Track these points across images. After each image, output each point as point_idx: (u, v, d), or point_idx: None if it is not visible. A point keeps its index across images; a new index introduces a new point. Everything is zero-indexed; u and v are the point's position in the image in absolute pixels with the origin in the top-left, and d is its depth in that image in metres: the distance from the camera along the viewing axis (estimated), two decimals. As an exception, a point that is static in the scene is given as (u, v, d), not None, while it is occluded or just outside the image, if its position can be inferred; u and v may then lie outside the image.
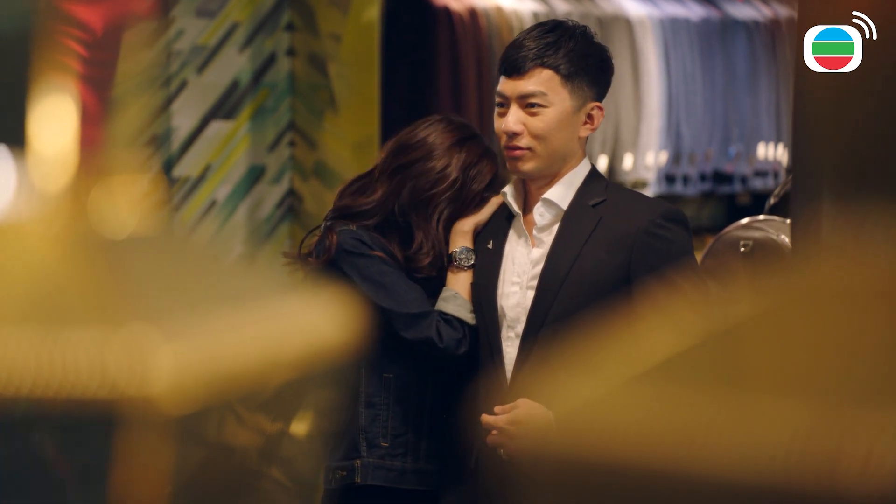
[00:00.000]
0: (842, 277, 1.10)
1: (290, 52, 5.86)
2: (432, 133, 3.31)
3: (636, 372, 1.10)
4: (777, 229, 4.16)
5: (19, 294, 1.18)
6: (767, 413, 1.00)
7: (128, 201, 1.30)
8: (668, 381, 1.07)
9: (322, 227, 3.34)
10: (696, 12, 6.58)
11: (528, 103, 3.13)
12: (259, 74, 5.81)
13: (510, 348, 3.19)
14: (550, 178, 3.18)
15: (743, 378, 1.06)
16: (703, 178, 6.61)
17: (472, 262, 3.25)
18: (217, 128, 5.72)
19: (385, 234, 3.29)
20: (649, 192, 6.30)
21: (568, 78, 3.13)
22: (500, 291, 3.22)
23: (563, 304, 3.11)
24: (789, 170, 6.61)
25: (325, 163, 5.79)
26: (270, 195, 5.87)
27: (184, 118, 5.63)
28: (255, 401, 1.25)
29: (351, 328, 1.33)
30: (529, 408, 3.10)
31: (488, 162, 3.32)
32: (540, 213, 3.17)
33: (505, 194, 3.24)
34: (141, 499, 1.12)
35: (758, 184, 6.85)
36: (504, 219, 3.28)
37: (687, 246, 3.15)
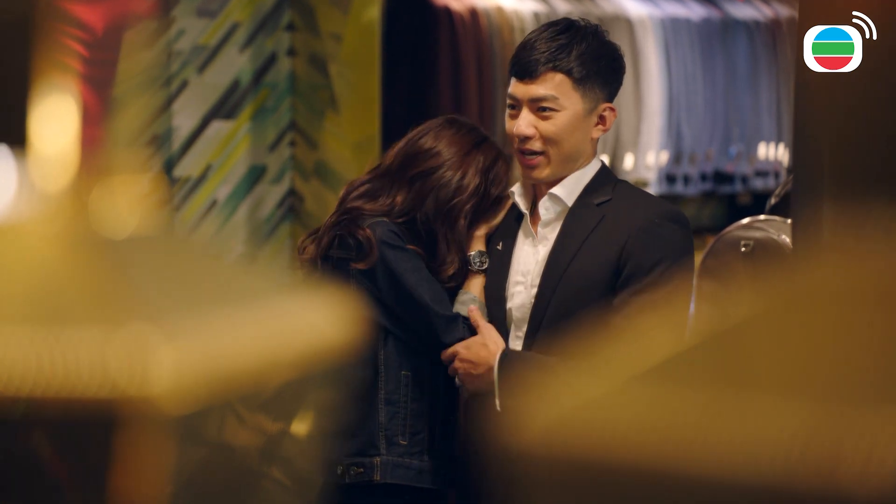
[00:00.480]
0: (842, 277, 1.10)
1: (291, 52, 5.86)
2: (444, 140, 3.30)
3: (636, 372, 1.10)
4: (778, 229, 4.16)
5: (19, 293, 1.18)
6: (768, 413, 1.00)
7: (128, 201, 1.30)
8: (669, 381, 1.07)
9: (330, 228, 3.32)
10: (696, 12, 6.58)
11: (539, 107, 3.12)
12: (260, 74, 5.81)
13: (517, 348, 3.20)
14: (562, 178, 3.17)
15: (743, 378, 1.06)
16: (703, 177, 6.61)
17: (486, 265, 3.27)
18: (218, 128, 5.72)
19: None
20: (650, 191, 6.30)
21: (580, 81, 3.12)
22: (507, 293, 3.22)
23: (561, 302, 3.11)
24: (790, 170, 6.60)
25: (326, 163, 5.79)
26: (271, 195, 5.87)
27: (184, 118, 5.63)
28: (255, 400, 1.25)
29: (351, 328, 1.33)
30: (485, 336, 3.16)
31: (503, 164, 3.33)
32: (545, 208, 3.17)
33: (513, 193, 3.24)
34: (141, 499, 1.12)
35: (758, 184, 6.84)
36: (513, 220, 3.28)
37: (681, 246, 3.12)
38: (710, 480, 1.01)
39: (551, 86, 3.11)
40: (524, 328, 3.18)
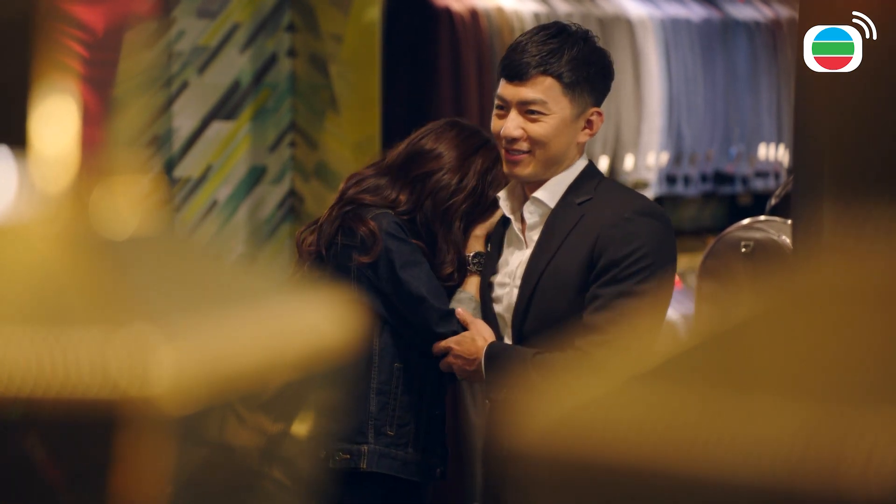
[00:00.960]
0: (843, 278, 1.10)
1: (291, 53, 5.86)
2: (445, 142, 3.36)
3: (637, 372, 1.10)
4: (778, 230, 4.16)
5: (20, 294, 1.18)
6: (768, 413, 1.00)
7: (129, 202, 1.30)
8: (669, 381, 1.07)
9: (336, 217, 3.36)
10: (696, 13, 6.58)
11: (528, 109, 3.13)
12: (260, 75, 5.81)
13: None
14: (545, 180, 3.19)
15: (744, 378, 1.06)
16: (704, 178, 6.61)
17: (483, 266, 3.31)
18: (218, 128, 5.72)
19: None
20: (650, 192, 6.30)
21: (570, 86, 3.13)
22: (495, 294, 3.25)
23: (542, 301, 3.13)
24: (790, 170, 6.60)
25: (327, 163, 5.80)
26: (271, 196, 5.87)
27: (185, 119, 5.63)
28: (256, 401, 1.25)
29: (352, 328, 1.33)
30: (475, 331, 3.19)
31: (501, 167, 3.35)
32: (529, 212, 3.20)
33: (499, 198, 3.26)
34: (142, 499, 1.12)
35: (759, 184, 6.84)
36: (502, 224, 3.30)
37: (654, 238, 3.11)
38: (710, 481, 1.01)
39: (541, 89, 3.13)
40: (510, 328, 3.21)
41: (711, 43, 6.57)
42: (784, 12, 6.98)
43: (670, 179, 6.45)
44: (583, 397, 1.10)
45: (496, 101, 3.21)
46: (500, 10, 5.84)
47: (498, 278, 3.27)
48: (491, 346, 3.20)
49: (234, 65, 5.75)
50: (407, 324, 3.32)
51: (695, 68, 6.48)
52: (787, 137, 6.86)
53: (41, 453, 1.14)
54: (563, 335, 3.08)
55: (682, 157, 6.46)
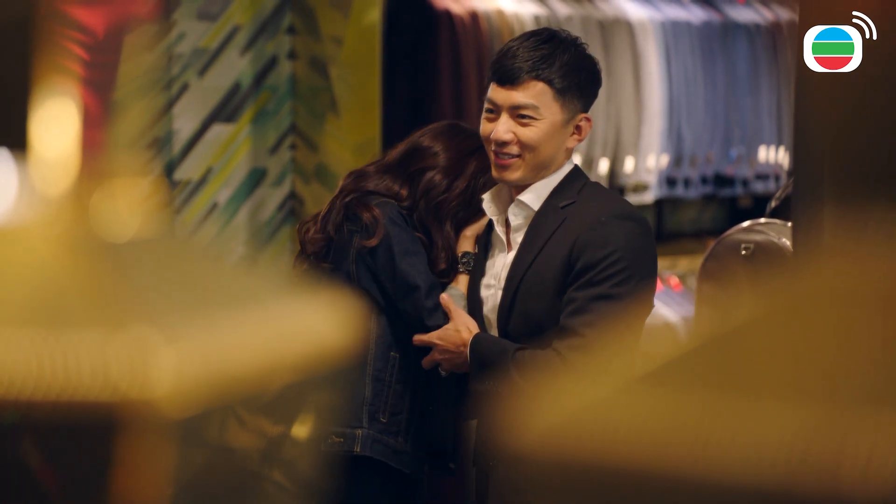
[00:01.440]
0: (843, 280, 1.10)
1: (292, 55, 5.86)
2: (442, 143, 3.43)
3: (637, 374, 1.10)
4: (778, 232, 4.16)
5: (21, 297, 1.18)
6: (769, 416, 1.00)
7: (129, 204, 1.30)
8: (670, 384, 1.07)
9: (341, 205, 3.39)
10: (697, 15, 6.58)
11: (519, 114, 3.15)
12: (260, 77, 5.81)
13: None
14: (532, 183, 3.21)
15: (744, 381, 1.06)
16: (704, 180, 6.61)
17: (471, 266, 3.34)
18: (218, 131, 5.72)
19: None
20: (650, 195, 6.30)
21: (561, 92, 3.16)
22: (482, 296, 3.27)
23: (523, 304, 3.16)
24: (790, 173, 6.60)
25: (327, 166, 5.80)
26: (271, 198, 5.88)
27: (185, 121, 5.63)
28: (256, 403, 1.25)
29: (352, 330, 1.33)
30: (458, 321, 3.23)
31: None
32: (514, 214, 3.23)
33: (482, 200, 3.28)
34: (142, 502, 1.12)
35: (759, 187, 6.85)
36: (489, 226, 3.33)
37: (632, 241, 3.12)
38: (710, 483, 1.00)
39: (532, 94, 3.15)
40: (495, 330, 3.24)
41: (711, 45, 6.57)
42: (784, 14, 6.98)
43: (670, 182, 6.45)
44: (583, 400, 1.10)
45: (486, 105, 3.23)
46: (500, 13, 5.84)
47: (484, 280, 3.29)
48: (476, 338, 3.23)
49: (235, 67, 5.75)
50: (401, 312, 3.35)
51: (695, 71, 6.48)
52: (788, 140, 6.86)
53: (37, 458, 1.14)
54: (544, 336, 3.10)
55: (683, 159, 6.46)
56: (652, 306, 3.21)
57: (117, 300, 1.17)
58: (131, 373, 1.11)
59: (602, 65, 3.32)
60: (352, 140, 5.72)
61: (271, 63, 5.85)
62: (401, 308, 3.34)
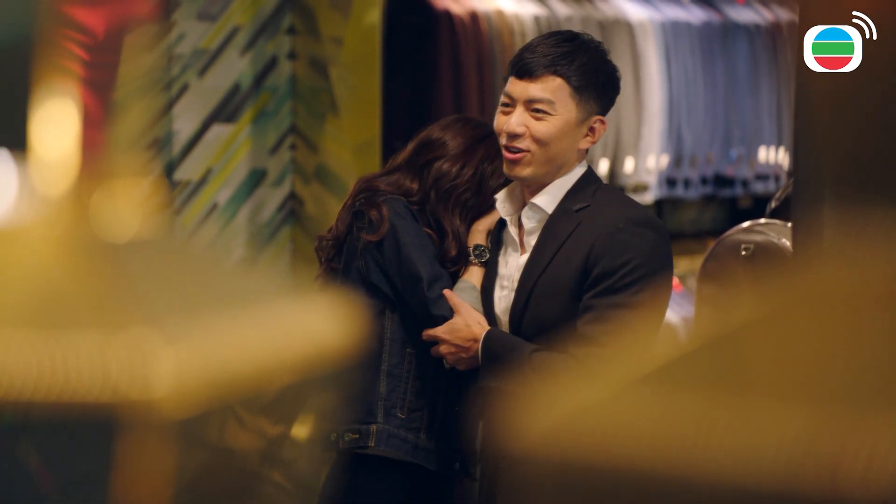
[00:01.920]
0: (843, 281, 1.10)
1: (292, 56, 5.86)
2: (451, 132, 3.45)
3: (637, 375, 1.10)
4: (778, 233, 4.16)
5: (21, 297, 1.18)
6: (769, 417, 1.00)
7: (129, 205, 1.30)
8: (670, 385, 1.07)
9: (350, 206, 3.41)
10: (697, 16, 6.58)
11: (534, 108, 3.16)
12: (260, 78, 5.81)
13: None
14: (544, 184, 3.20)
15: (744, 381, 1.06)
16: (704, 181, 6.61)
17: (485, 258, 3.33)
18: (218, 131, 5.72)
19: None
20: (650, 195, 6.30)
21: (577, 90, 3.16)
22: (495, 297, 3.27)
23: (537, 308, 3.15)
24: (790, 173, 6.60)
25: (327, 166, 5.80)
26: (271, 198, 5.88)
27: (185, 122, 5.63)
28: (256, 404, 1.25)
29: (352, 331, 1.33)
30: (467, 316, 3.23)
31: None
32: (527, 217, 3.22)
33: (496, 200, 3.28)
34: (142, 502, 1.12)
35: (759, 187, 6.85)
36: (503, 225, 3.32)
37: (649, 249, 3.12)
38: (711, 483, 1.00)
39: (549, 89, 3.15)
40: (508, 332, 3.23)
41: (711, 46, 6.57)
42: (784, 15, 6.98)
43: (670, 182, 6.45)
44: (583, 401, 1.10)
45: (502, 98, 3.23)
46: (499, 13, 5.84)
47: (498, 281, 3.29)
48: (489, 334, 3.22)
49: (235, 68, 5.75)
50: (410, 306, 3.36)
51: (695, 71, 6.48)
52: (788, 140, 6.86)
53: (37, 458, 1.14)
54: (558, 340, 3.09)
55: (683, 159, 6.46)
56: (666, 311, 3.21)
57: (117, 301, 1.17)
58: (131, 373, 1.11)
59: (602, 65, 3.32)
60: (352, 140, 5.72)
61: (271, 63, 5.85)
62: (408, 301, 3.34)
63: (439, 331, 3.28)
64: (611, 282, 3.07)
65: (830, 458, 0.96)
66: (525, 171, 3.18)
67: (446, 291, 3.29)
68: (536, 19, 5.90)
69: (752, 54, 6.75)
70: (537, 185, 3.21)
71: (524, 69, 3.18)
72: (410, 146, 3.50)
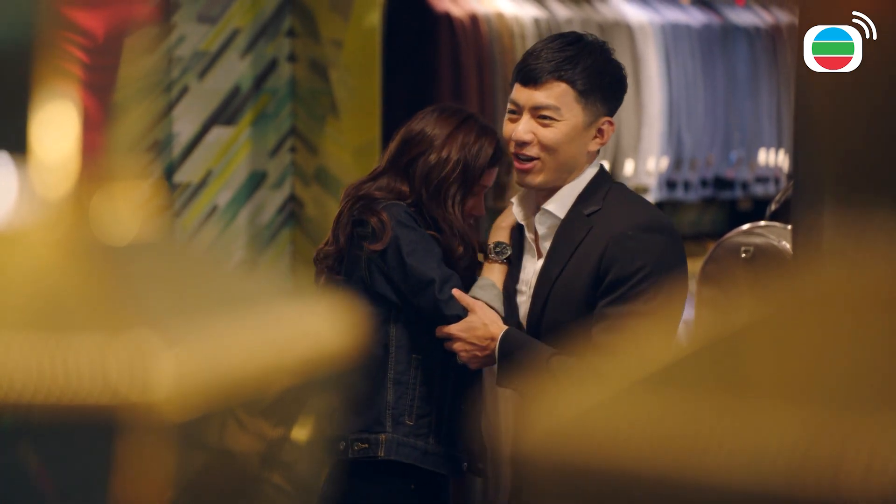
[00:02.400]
0: (843, 283, 1.10)
1: (292, 58, 5.87)
2: (429, 124, 3.41)
3: (638, 378, 1.10)
4: (778, 235, 4.16)
5: (21, 300, 1.18)
6: (770, 418, 1.00)
7: (129, 207, 1.30)
8: (671, 387, 1.07)
9: (347, 214, 3.39)
10: (696, 18, 6.58)
11: (541, 115, 3.15)
12: (260, 80, 5.81)
13: None
14: (556, 188, 3.19)
15: (745, 383, 1.06)
16: (704, 183, 6.61)
17: (506, 255, 3.32)
18: (218, 133, 5.72)
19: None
20: (650, 197, 6.30)
21: (583, 94, 3.14)
22: (517, 301, 3.26)
23: (552, 312, 3.14)
24: (790, 175, 6.60)
25: (327, 168, 5.80)
26: (271, 201, 5.88)
27: (185, 124, 5.63)
28: (256, 406, 1.25)
29: (352, 333, 1.33)
30: (482, 314, 3.22)
31: (486, 137, 3.40)
32: (540, 223, 3.21)
33: (512, 204, 3.28)
34: (142, 504, 1.12)
35: (759, 189, 6.85)
36: (519, 230, 3.32)
37: (661, 254, 3.11)
38: (712, 486, 1.00)
39: (554, 95, 3.14)
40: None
41: (711, 48, 6.57)
42: (784, 17, 6.98)
43: (670, 184, 6.45)
44: (585, 403, 1.10)
45: (509, 106, 3.22)
46: (499, 16, 5.84)
47: (518, 286, 3.29)
48: (507, 335, 3.20)
49: (235, 70, 5.75)
50: (419, 312, 3.34)
51: (695, 73, 6.48)
52: (787, 142, 6.86)
53: (36, 461, 1.14)
54: (574, 345, 3.08)
55: (683, 162, 6.46)
56: (681, 314, 3.21)
57: (117, 303, 1.17)
58: (131, 376, 1.11)
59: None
60: (352, 143, 5.72)
61: (271, 66, 5.85)
62: (418, 306, 3.33)
63: (455, 328, 3.26)
64: (623, 290, 3.06)
65: (831, 460, 0.96)
66: (536, 180, 3.17)
67: (456, 291, 3.28)
68: (536, 21, 5.90)
69: (752, 57, 6.75)
70: (549, 190, 3.20)
71: (528, 76, 3.17)
72: (392, 146, 3.48)
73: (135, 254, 1.29)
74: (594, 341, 3.06)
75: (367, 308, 3.33)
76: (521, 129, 3.16)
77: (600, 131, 3.19)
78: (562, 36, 3.25)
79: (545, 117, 3.15)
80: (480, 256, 3.42)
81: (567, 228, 3.17)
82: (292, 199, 5.91)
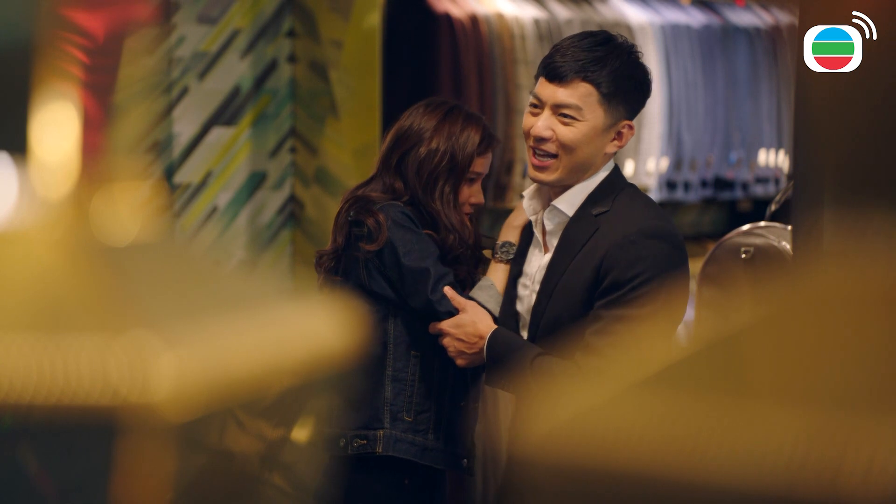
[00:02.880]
0: (843, 284, 1.10)
1: (292, 59, 5.86)
2: (416, 119, 3.43)
3: (637, 379, 1.10)
4: (778, 236, 4.16)
5: (21, 301, 1.18)
6: (769, 420, 1.00)
7: (129, 208, 1.30)
8: (671, 388, 1.07)
9: (345, 215, 3.40)
10: (697, 19, 6.58)
11: (562, 112, 3.14)
12: (260, 81, 5.81)
13: None
14: (569, 185, 3.19)
15: (745, 385, 1.06)
16: (704, 184, 6.61)
17: (510, 255, 3.32)
18: (218, 134, 5.72)
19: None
20: (650, 198, 6.30)
21: (606, 97, 3.13)
22: (518, 292, 3.27)
23: (554, 311, 3.15)
24: (790, 176, 6.60)
25: (327, 169, 5.80)
26: (271, 201, 5.88)
27: (185, 124, 5.63)
28: (256, 407, 1.25)
29: (352, 334, 1.33)
30: (473, 313, 3.23)
31: (473, 125, 3.42)
32: (548, 219, 3.22)
33: (523, 197, 3.29)
34: (142, 505, 1.12)
35: (759, 190, 6.84)
36: (530, 224, 3.33)
37: (661, 261, 3.10)
38: (711, 487, 1.00)
39: (578, 94, 3.13)
40: (527, 330, 3.23)
41: (711, 49, 6.57)
42: (784, 18, 6.98)
43: (670, 185, 6.45)
44: (584, 404, 1.10)
45: (531, 100, 3.21)
46: (499, 16, 5.84)
47: (521, 278, 3.29)
48: (495, 334, 3.22)
49: (235, 70, 5.75)
50: (415, 310, 3.36)
51: (695, 74, 6.48)
52: (787, 143, 6.86)
53: (36, 462, 1.14)
54: (568, 344, 3.09)
55: (683, 162, 6.46)
56: (679, 321, 3.21)
57: (117, 304, 1.17)
58: (131, 377, 1.11)
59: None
60: (352, 143, 5.72)
61: (271, 66, 5.85)
62: (413, 305, 3.34)
63: (444, 324, 3.29)
64: (619, 293, 3.06)
65: (830, 461, 0.96)
66: (550, 177, 3.17)
67: (447, 290, 3.29)
68: (536, 22, 5.90)
69: (752, 57, 6.75)
70: (561, 187, 3.21)
71: (554, 72, 3.15)
72: (384, 146, 3.50)
73: (135, 254, 1.29)
74: (585, 341, 3.07)
75: (366, 306, 3.35)
76: (541, 124, 3.15)
77: (619, 134, 3.18)
78: (592, 35, 3.23)
79: (566, 116, 3.14)
80: (488, 253, 3.43)
81: (574, 227, 3.17)
82: (292, 199, 5.91)
